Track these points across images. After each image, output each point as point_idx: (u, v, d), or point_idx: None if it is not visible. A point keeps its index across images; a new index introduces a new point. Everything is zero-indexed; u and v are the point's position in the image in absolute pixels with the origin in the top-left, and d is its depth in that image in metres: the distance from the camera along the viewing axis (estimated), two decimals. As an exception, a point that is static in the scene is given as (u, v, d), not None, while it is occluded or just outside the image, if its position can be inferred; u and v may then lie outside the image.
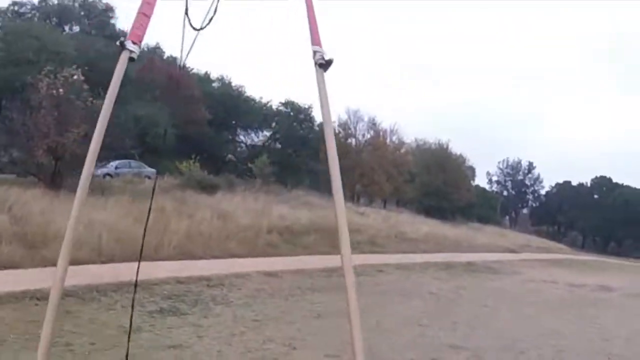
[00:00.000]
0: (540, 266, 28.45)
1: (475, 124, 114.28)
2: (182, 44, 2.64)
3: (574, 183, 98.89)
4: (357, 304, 1.80)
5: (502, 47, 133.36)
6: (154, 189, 3.83)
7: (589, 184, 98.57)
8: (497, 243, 34.64)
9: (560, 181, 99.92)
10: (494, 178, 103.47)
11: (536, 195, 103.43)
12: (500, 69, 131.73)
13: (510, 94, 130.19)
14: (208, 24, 2.64)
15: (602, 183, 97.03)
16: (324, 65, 2.20)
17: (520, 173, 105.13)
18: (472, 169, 73.91)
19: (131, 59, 2.15)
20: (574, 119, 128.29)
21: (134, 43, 2.15)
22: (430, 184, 55.88)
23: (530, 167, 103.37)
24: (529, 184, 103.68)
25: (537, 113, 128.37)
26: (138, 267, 2.65)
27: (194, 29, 2.62)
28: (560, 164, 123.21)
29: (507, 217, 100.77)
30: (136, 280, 3.37)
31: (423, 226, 32.41)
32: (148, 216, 2.70)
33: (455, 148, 64.77)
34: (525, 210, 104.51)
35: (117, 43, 2.18)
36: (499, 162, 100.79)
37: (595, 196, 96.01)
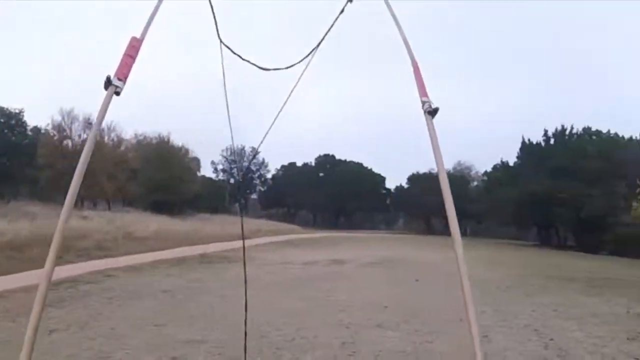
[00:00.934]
0: (274, 249, 29.73)
1: (197, 115, 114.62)
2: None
3: (299, 164, 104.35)
4: (471, 293, 2.32)
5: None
6: None
7: (313, 163, 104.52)
8: (229, 232, 35.34)
9: (286, 163, 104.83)
10: (220, 167, 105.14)
11: (263, 179, 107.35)
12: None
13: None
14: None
15: (326, 161, 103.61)
16: (432, 112, 2.78)
17: (245, 159, 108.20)
18: (196, 160, 74.49)
19: (116, 93, 2.58)
20: (295, 101, 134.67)
21: (119, 79, 2.59)
22: (155, 180, 55.30)
23: (255, 152, 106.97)
24: (254, 169, 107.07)
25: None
26: None
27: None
28: (284, 146, 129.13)
29: (237, 204, 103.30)
30: None
31: (151, 223, 32.02)
32: None
33: (178, 140, 64.81)
34: (254, 196, 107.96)
35: (105, 79, 2.56)
36: (222, 150, 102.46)
37: (321, 174, 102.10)
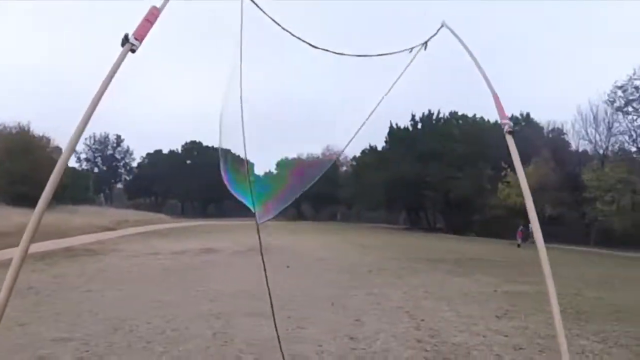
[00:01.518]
0: (141, 239, 29.13)
1: (60, 102, 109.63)
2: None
3: (165, 151, 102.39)
4: (554, 291, 2.59)
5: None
6: None
7: (180, 151, 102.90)
8: (95, 223, 34.34)
9: (152, 151, 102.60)
10: (83, 156, 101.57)
11: (129, 168, 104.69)
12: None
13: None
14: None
15: (193, 147, 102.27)
16: (511, 133, 3.45)
17: (110, 147, 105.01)
18: (59, 150, 71.42)
19: (132, 51, 2.71)
20: (162, 86, 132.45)
21: (136, 39, 2.71)
22: (15, 171, 52.47)
23: (119, 140, 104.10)
24: (119, 157, 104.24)
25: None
26: None
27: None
28: (150, 133, 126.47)
29: (102, 195, 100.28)
30: None
31: (14, 217, 30.40)
32: None
33: (40, 129, 62.07)
34: (120, 185, 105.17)
35: (123, 36, 2.69)
36: (85, 139, 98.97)
37: (188, 161, 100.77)
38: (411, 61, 3.92)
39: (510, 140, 3.27)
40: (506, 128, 3.31)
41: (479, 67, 3.60)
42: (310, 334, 8.35)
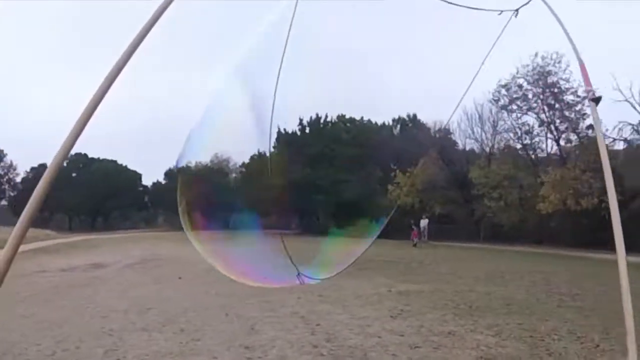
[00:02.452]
0: (29, 257, 27.88)
1: None
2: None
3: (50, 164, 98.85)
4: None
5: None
6: None
7: (65, 164, 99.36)
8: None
9: (36, 165, 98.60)
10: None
11: (12, 183, 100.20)
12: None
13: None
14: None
15: (79, 160, 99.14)
16: (595, 100, 3.53)
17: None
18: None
19: None
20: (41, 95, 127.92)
21: None
22: None
23: (1, 154, 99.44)
24: (2, 173, 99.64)
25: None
26: None
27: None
28: (33, 146, 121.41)
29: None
30: None
31: None
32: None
33: None
34: (4, 202, 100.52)
35: None
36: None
37: (74, 174, 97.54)
38: (504, 28, 3.90)
39: (593, 108, 3.48)
40: (590, 95, 3.56)
41: (570, 39, 3.78)
42: (204, 346, 8.25)
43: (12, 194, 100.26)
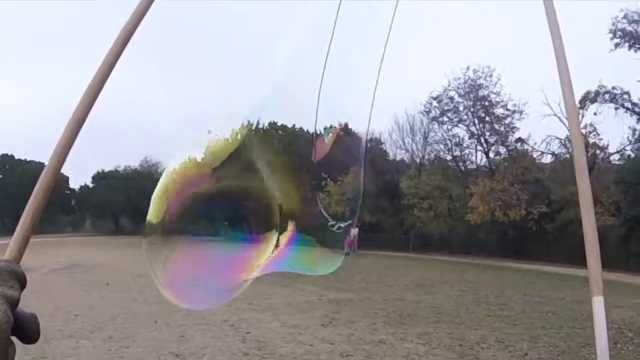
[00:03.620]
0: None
1: None
2: None
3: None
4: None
5: None
6: None
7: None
8: None
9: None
10: None
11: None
12: None
13: None
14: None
15: (5, 161, 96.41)
16: None
17: None
18: None
19: None
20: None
21: None
22: None
23: None
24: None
25: None
26: None
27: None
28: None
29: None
30: None
31: None
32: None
33: None
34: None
35: None
36: None
37: (0, 176, 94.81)
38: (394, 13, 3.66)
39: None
40: None
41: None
42: (134, 353, 8.09)
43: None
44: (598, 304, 1.47)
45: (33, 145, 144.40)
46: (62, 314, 11.48)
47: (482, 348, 8.96)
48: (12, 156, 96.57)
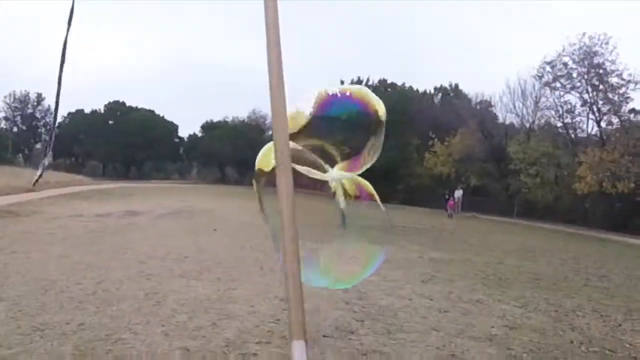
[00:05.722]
0: (63, 201, 28.65)
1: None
2: None
3: (87, 111, 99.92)
4: None
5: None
6: None
7: (102, 111, 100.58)
8: (13, 184, 33.55)
9: (73, 110, 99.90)
10: (2, 114, 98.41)
11: (48, 127, 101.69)
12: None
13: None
14: None
15: (116, 108, 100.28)
16: None
17: (30, 106, 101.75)
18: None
19: None
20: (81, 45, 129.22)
21: None
22: None
23: (40, 98, 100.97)
24: (39, 116, 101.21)
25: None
26: None
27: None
28: (71, 92, 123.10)
29: (21, 155, 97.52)
30: None
31: None
32: None
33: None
34: (39, 145, 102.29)
35: None
36: (4, 97, 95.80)
37: (111, 122, 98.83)
38: None
39: None
40: None
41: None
42: (241, 295, 8.60)
43: (47, 138, 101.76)
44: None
45: (142, 92, 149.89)
46: (173, 256, 12.18)
47: (577, 315, 9.01)
48: (123, 103, 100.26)
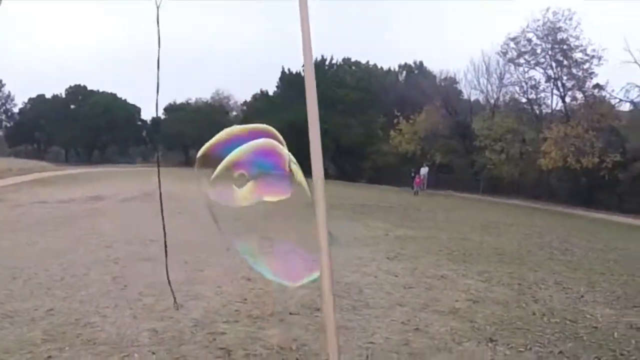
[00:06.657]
0: (26, 188, 28.36)
1: None
2: None
3: (48, 96, 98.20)
4: None
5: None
6: None
7: (64, 95, 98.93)
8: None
9: (34, 95, 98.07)
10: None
11: (10, 114, 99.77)
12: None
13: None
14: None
15: (78, 92, 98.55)
16: None
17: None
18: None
19: None
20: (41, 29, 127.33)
21: None
22: None
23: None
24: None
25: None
26: None
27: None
28: (33, 77, 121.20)
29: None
30: None
31: None
32: None
33: None
34: (0, 132, 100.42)
35: None
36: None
37: (72, 106, 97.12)
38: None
39: None
40: None
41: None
42: (209, 276, 8.77)
43: (8, 124, 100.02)
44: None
45: (104, 75, 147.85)
46: (138, 240, 12.26)
47: (539, 288, 9.32)
48: (84, 87, 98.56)
